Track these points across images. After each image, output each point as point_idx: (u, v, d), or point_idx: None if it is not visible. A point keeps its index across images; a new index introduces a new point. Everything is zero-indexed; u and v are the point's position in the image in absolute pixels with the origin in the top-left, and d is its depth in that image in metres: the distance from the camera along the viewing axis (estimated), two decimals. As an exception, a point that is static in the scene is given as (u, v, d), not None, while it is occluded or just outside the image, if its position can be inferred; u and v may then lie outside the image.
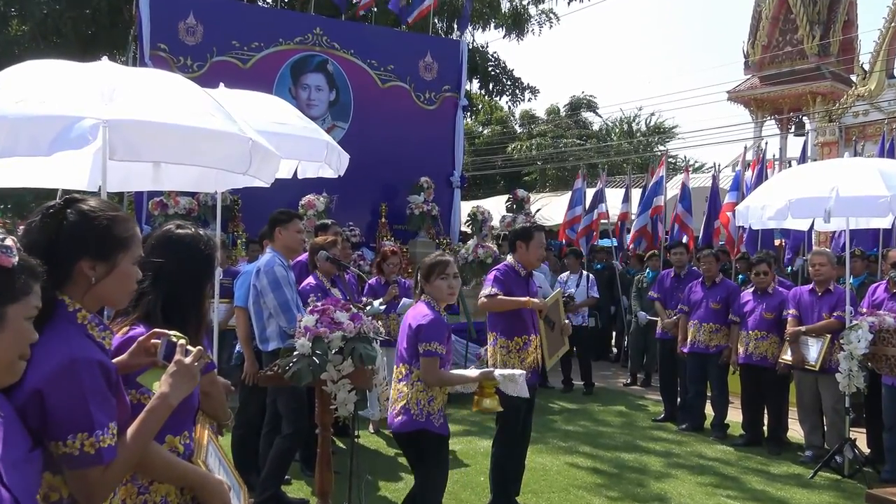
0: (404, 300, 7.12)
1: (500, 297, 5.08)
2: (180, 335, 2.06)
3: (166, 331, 2.09)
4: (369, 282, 7.46)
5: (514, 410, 5.18)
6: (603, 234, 14.57)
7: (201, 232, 2.48)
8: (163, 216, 9.47)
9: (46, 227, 1.85)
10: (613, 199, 14.44)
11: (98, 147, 3.37)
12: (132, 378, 2.08)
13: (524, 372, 4.33)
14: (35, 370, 1.65)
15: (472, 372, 4.26)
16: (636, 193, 14.69)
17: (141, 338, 2.09)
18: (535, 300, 5.17)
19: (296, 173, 5.93)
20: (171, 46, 10.78)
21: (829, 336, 6.60)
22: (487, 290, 5.10)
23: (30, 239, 1.84)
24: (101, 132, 3.34)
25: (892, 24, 17.06)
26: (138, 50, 10.93)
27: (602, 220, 13.54)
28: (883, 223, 7.57)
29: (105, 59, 4.00)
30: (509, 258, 5.34)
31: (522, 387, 4.21)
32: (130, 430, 1.86)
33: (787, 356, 6.91)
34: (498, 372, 4.20)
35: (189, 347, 2.01)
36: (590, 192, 13.86)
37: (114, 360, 1.97)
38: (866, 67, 17.87)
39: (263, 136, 4.34)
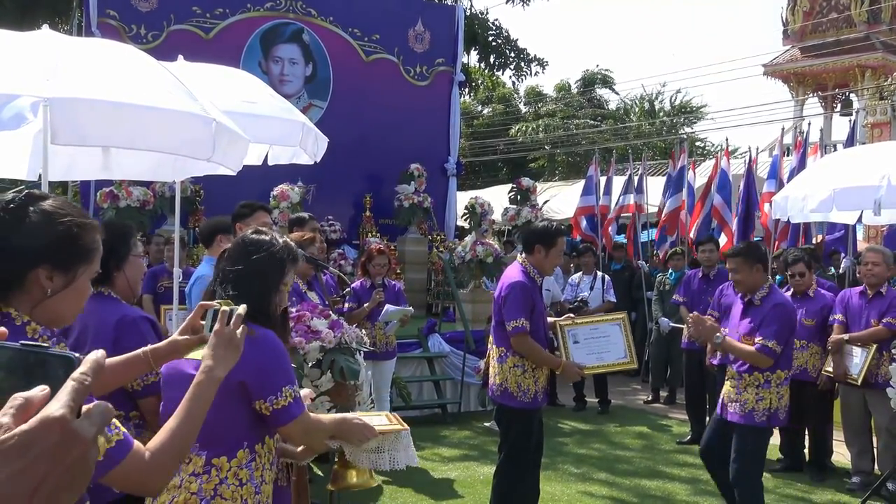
0: (387, 307, 7.12)
1: (530, 340, 5.07)
2: (229, 301, 2.23)
3: (211, 302, 2.25)
4: (353, 285, 7.47)
5: (524, 432, 5.20)
6: (621, 229, 14.61)
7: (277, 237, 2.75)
8: (113, 209, 9.47)
9: (3, 224, 1.83)
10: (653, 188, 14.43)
11: (38, 129, 3.38)
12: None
13: (406, 429, 3.30)
14: None
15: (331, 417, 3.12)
16: (656, 182, 14.71)
17: (189, 318, 2.26)
18: (568, 362, 5.23)
19: (266, 159, 5.94)
20: (122, 13, 10.78)
21: (874, 346, 6.62)
22: (515, 322, 5.03)
23: None
24: (40, 112, 3.34)
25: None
26: (84, 18, 10.92)
27: (624, 214, 13.59)
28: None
29: (46, 27, 4.00)
30: (520, 258, 5.30)
31: (405, 452, 3.25)
32: (178, 412, 1.91)
33: (830, 368, 6.94)
34: (360, 417, 3.08)
35: (239, 311, 2.11)
36: (604, 180, 13.89)
37: (160, 345, 2.30)
38: (923, 37, 17.94)
39: (229, 116, 4.35)
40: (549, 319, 5.49)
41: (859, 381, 6.64)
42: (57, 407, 0.86)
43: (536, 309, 5.13)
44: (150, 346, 2.33)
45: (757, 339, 5.12)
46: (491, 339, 5.44)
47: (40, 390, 0.88)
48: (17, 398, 0.86)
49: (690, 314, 5.40)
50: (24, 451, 0.84)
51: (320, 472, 6.76)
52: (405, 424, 3.30)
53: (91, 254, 1.94)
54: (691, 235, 12.22)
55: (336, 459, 3.52)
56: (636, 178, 13.78)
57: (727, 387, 5.38)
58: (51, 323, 1.95)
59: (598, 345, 5.38)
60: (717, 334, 5.15)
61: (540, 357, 5.13)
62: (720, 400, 5.48)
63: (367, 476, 3.59)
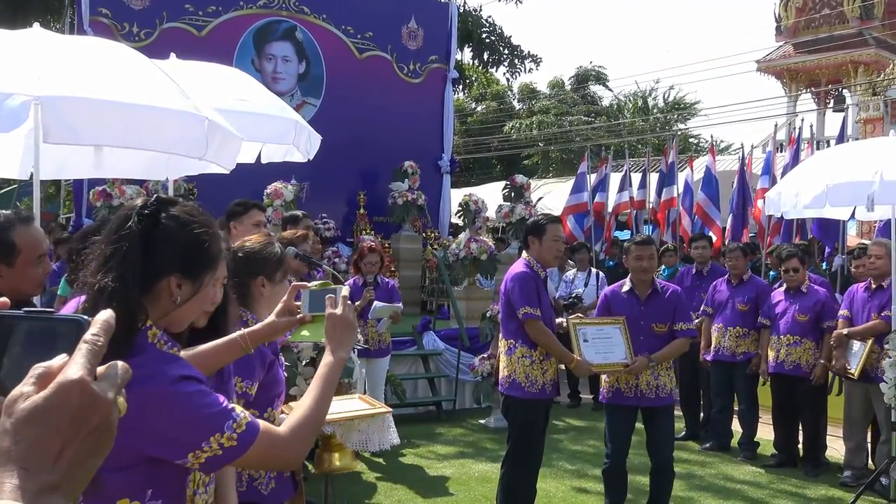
0: (375, 304, 7.11)
1: (543, 325, 5.19)
2: (326, 281, 2.34)
3: (305, 283, 2.36)
4: (346, 283, 7.47)
5: (530, 423, 5.25)
6: (621, 226, 14.66)
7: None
8: (106, 207, 9.45)
9: (139, 233, 1.81)
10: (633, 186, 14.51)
11: (29, 128, 3.37)
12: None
13: (389, 411, 3.58)
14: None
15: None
16: (652, 179, 14.77)
17: (284, 299, 2.33)
18: (579, 359, 5.34)
19: (259, 158, 5.94)
20: (115, 11, 10.75)
21: (871, 339, 6.64)
22: (525, 308, 5.15)
23: (119, 242, 1.80)
24: (32, 111, 3.34)
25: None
26: (76, 16, 10.89)
27: (624, 211, 13.63)
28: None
29: (37, 25, 3.99)
30: (525, 255, 5.43)
31: (388, 433, 3.35)
32: (309, 392, 1.99)
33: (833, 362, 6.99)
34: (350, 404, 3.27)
35: (344, 292, 2.18)
36: (594, 177, 13.93)
37: (258, 327, 2.34)
38: (915, 32, 17.99)
39: (222, 114, 4.34)
40: (557, 320, 5.59)
41: (857, 375, 6.66)
42: (74, 370, 0.85)
43: (542, 300, 5.24)
44: (247, 329, 2.35)
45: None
46: (500, 334, 5.54)
47: (60, 358, 0.87)
48: (38, 367, 0.86)
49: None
50: (45, 416, 0.83)
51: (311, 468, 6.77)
52: (385, 406, 3.40)
53: (217, 261, 1.96)
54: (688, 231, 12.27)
55: (320, 443, 3.55)
56: (633, 175, 13.84)
57: None
58: (173, 329, 1.94)
59: (604, 345, 5.51)
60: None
61: (553, 345, 5.24)
62: None
63: (349, 459, 3.69)
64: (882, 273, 6.81)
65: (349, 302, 2.16)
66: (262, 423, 1.84)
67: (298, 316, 2.29)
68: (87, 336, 0.89)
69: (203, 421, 1.77)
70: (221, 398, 1.85)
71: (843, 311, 7.01)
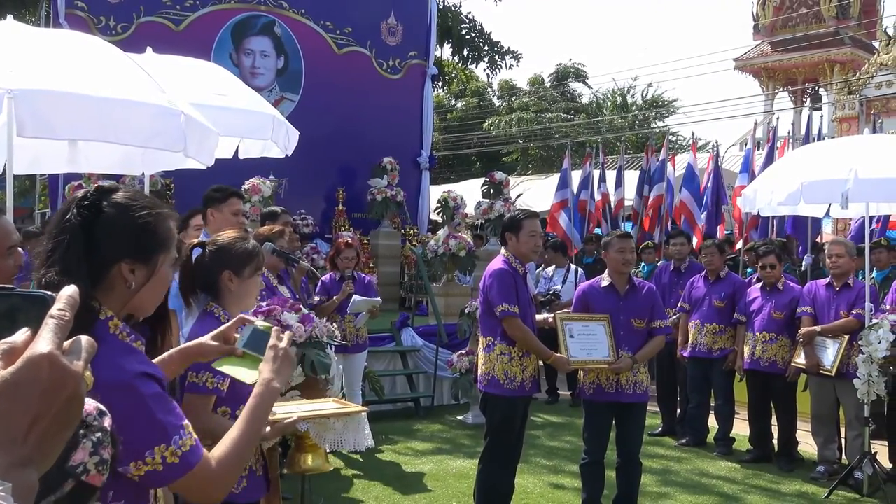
0: (354, 298, 7.09)
1: (521, 323, 5.20)
2: (268, 325, 2.24)
3: (251, 317, 2.29)
4: (323, 278, 7.46)
5: (508, 420, 5.26)
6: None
7: None
8: (82, 203, 9.38)
9: (79, 223, 1.80)
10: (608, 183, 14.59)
11: (2, 122, 3.34)
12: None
13: (366, 410, 3.51)
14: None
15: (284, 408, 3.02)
16: (632, 176, 14.83)
17: (224, 326, 2.27)
18: (560, 356, 5.37)
19: (237, 153, 5.91)
20: (91, 4, 10.66)
21: (846, 337, 6.71)
22: (503, 306, 5.16)
23: (60, 236, 1.79)
24: (5, 104, 3.31)
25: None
26: (51, 8, 10.79)
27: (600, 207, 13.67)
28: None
29: (10, 18, 3.95)
30: (503, 251, 5.45)
31: (364, 433, 3.37)
32: (239, 423, 1.93)
33: (800, 360, 7.02)
34: (308, 407, 3.14)
35: (288, 334, 2.13)
36: (576, 175, 13.98)
37: (189, 344, 2.27)
38: (890, 32, 18.17)
39: (199, 109, 4.32)
40: (542, 316, 5.67)
41: (833, 372, 6.71)
42: (43, 345, 0.85)
43: (521, 296, 5.25)
44: (180, 347, 2.31)
45: None
46: (478, 331, 5.55)
47: (23, 333, 0.86)
48: (3, 343, 0.85)
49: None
50: (15, 391, 0.83)
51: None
52: (361, 406, 3.39)
53: (169, 241, 1.94)
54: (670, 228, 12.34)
55: (293, 443, 3.55)
56: (610, 172, 13.90)
57: None
58: (136, 314, 1.94)
59: (589, 342, 5.53)
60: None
61: (531, 342, 5.25)
62: None
63: (322, 460, 3.66)
64: (845, 271, 6.90)
65: (294, 341, 2.14)
66: (204, 451, 1.81)
67: (230, 347, 2.22)
68: (53, 311, 0.89)
69: (155, 425, 1.74)
70: (177, 406, 1.84)
71: (807, 308, 7.07)
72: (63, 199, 9.64)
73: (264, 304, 4.35)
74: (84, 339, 0.90)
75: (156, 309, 2.02)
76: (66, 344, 0.89)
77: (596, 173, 14.15)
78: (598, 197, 13.96)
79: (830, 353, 6.81)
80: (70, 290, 0.92)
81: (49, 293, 0.92)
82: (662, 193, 13.10)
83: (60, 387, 0.85)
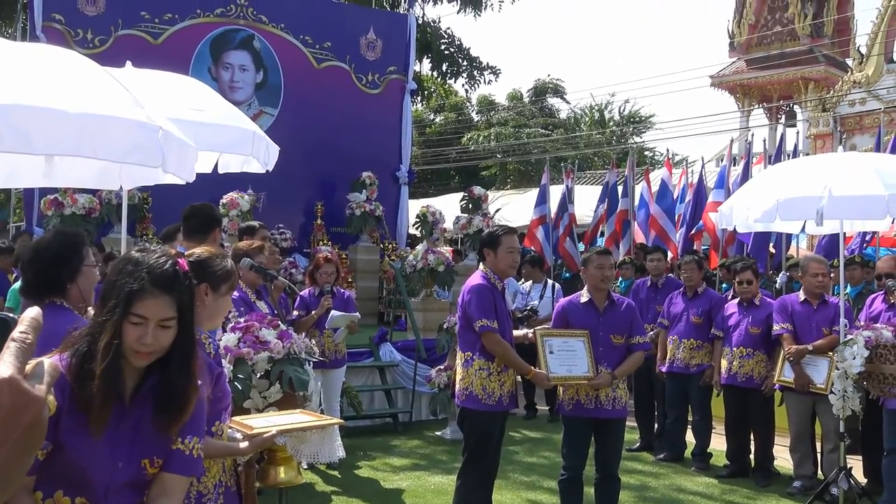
0: (333, 313, 7.06)
1: (499, 338, 5.22)
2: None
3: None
4: (301, 293, 7.42)
5: (485, 435, 5.25)
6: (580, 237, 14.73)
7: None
8: (58, 216, 9.30)
9: None
10: (587, 199, 14.58)
11: (-23, 137, 3.30)
12: None
13: (340, 422, 3.65)
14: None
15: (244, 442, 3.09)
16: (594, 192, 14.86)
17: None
18: (540, 371, 5.37)
19: (216, 168, 5.87)
20: (68, 17, 10.60)
21: (832, 354, 6.72)
22: (482, 321, 5.18)
23: None
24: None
25: (892, 3, 17.61)
26: (28, 21, 10.72)
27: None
28: (880, 226, 7.79)
29: (-13, 32, 3.91)
30: (482, 267, 5.47)
31: (337, 445, 3.44)
32: None
33: (786, 377, 7.01)
34: (280, 421, 3.29)
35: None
36: (556, 190, 13.99)
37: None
38: (863, 51, 18.41)
39: (177, 124, 4.29)
40: (519, 332, 5.68)
41: (827, 389, 6.63)
42: (4, 369, 0.82)
43: (500, 311, 5.26)
44: None
45: None
46: (457, 346, 5.58)
47: None
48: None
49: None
50: None
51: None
52: (335, 418, 3.41)
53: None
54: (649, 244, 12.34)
55: (265, 457, 3.53)
56: (581, 188, 13.90)
57: None
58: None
59: (568, 357, 5.52)
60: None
61: (510, 357, 5.26)
62: None
63: (294, 472, 3.62)
64: (828, 289, 6.96)
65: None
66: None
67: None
68: (16, 334, 0.86)
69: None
70: None
71: (787, 325, 7.08)
72: (38, 213, 9.57)
73: (242, 320, 4.32)
74: (47, 363, 0.88)
75: None
76: (28, 367, 0.86)
77: (580, 189, 14.16)
78: (571, 210, 13.93)
79: (822, 371, 6.79)
80: (33, 313, 0.89)
81: (11, 315, 0.90)
82: (627, 209, 13.11)
83: (22, 411, 0.83)
